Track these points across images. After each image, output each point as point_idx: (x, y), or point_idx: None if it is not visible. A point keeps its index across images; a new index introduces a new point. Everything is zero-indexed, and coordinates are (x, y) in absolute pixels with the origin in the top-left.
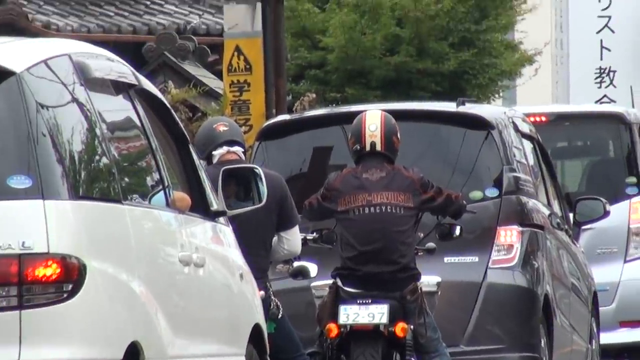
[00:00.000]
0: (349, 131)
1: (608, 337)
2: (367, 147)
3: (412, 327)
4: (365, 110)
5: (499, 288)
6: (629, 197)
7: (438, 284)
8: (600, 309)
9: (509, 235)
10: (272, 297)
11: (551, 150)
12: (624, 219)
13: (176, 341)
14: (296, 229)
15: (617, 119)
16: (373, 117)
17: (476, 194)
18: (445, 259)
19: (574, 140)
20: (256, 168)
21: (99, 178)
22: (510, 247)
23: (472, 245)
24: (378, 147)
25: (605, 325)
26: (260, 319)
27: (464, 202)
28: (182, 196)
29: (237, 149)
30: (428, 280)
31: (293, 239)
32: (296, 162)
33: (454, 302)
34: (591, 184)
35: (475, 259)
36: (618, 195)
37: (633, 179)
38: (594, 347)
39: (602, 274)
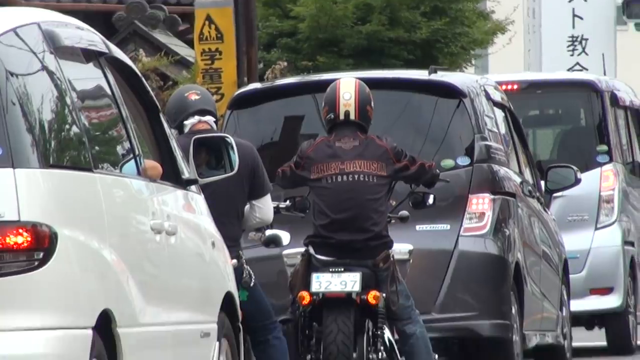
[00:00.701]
0: (321, 100)
1: (578, 305)
2: (341, 116)
3: (384, 294)
4: (338, 78)
5: (471, 256)
6: (600, 165)
7: (410, 251)
8: (570, 276)
9: (481, 203)
10: (245, 266)
11: (523, 119)
12: (595, 187)
13: (148, 309)
14: (268, 197)
15: (589, 87)
16: (347, 85)
17: (448, 163)
18: (417, 227)
19: (546, 108)
20: (227, 137)
21: (70, 146)
22: (482, 215)
23: (443, 214)
24: (352, 116)
25: (575, 293)
26: (232, 287)
27: (438, 171)
28: (153, 164)
29: (209, 118)
30: (400, 248)
31: (265, 207)
32: (268, 131)
33: (425, 270)
34: (562, 152)
35: (447, 227)
36: (589, 163)
37: (604, 147)
38: (564, 314)
39: (572, 241)
